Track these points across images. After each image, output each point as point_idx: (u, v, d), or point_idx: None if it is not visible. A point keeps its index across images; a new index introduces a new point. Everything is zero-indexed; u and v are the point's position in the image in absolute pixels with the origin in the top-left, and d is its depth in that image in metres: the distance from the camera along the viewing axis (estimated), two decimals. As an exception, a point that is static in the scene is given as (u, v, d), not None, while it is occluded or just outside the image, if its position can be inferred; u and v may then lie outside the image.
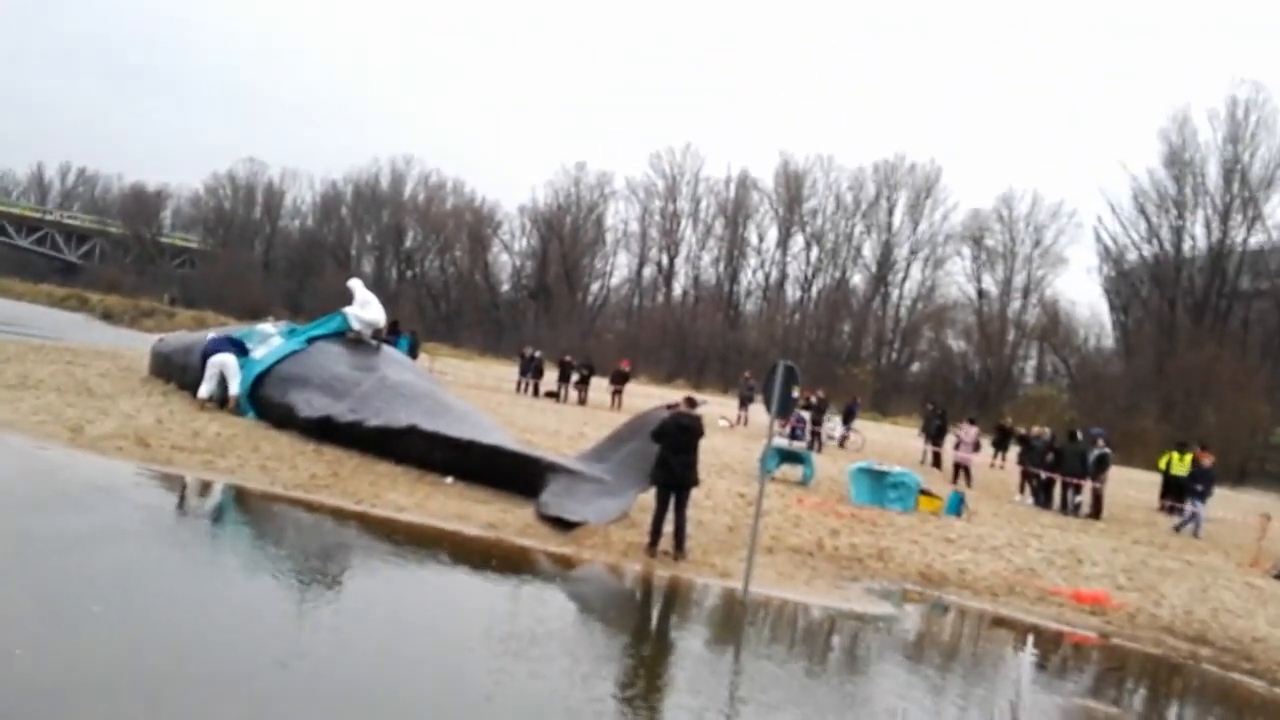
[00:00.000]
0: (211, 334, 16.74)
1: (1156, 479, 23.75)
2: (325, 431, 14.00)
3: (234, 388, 15.42)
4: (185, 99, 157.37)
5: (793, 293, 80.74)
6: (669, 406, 11.33)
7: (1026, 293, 71.16)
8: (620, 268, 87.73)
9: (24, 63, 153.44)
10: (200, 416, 14.70)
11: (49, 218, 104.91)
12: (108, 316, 57.23)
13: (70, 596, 6.67)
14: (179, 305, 63.47)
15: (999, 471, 26.00)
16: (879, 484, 16.13)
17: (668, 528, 10.35)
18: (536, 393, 32.47)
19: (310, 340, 16.01)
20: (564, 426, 21.47)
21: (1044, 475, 20.09)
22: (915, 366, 74.81)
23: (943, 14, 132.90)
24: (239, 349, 15.77)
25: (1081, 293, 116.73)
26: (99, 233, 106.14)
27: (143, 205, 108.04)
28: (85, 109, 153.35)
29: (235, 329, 17.00)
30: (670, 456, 10.42)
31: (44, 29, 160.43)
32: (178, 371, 17.82)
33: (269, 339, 16.16)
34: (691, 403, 11.20)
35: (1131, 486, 24.88)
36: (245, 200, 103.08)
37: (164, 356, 18.86)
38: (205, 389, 15.59)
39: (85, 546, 7.93)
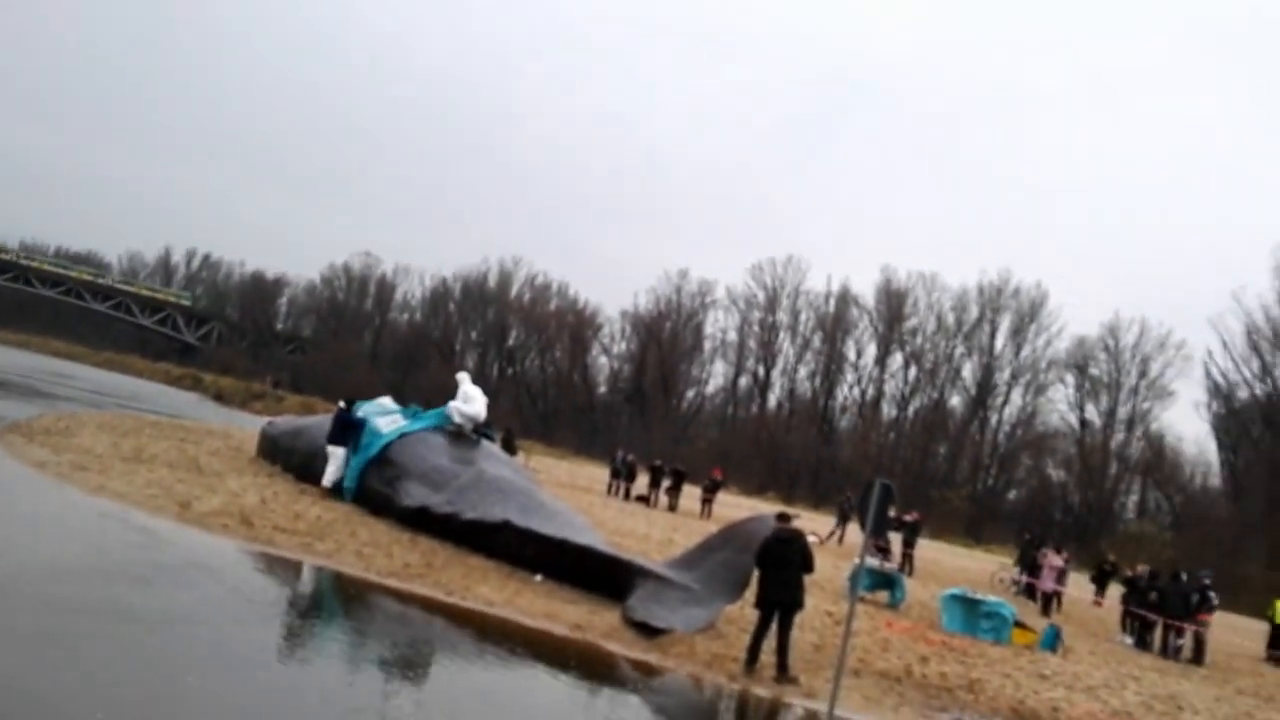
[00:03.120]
0: (335, 412, 17.06)
1: (1263, 627, 22.49)
2: (421, 521, 14.29)
3: (337, 474, 15.92)
4: (308, 193, 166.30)
5: (888, 411, 79.95)
6: (780, 517, 11.10)
7: (1131, 425, 69.23)
8: (716, 376, 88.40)
9: (162, 153, 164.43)
10: (302, 499, 15.17)
11: (172, 300, 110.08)
12: (220, 397, 59.48)
13: (164, 669, 6.87)
14: (283, 389, 65.62)
15: (1098, 609, 24.94)
16: (972, 613, 15.64)
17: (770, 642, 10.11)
18: (628, 496, 32.49)
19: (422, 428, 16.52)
20: (654, 531, 21.43)
21: (1147, 616, 19.23)
22: (1012, 494, 72.76)
23: (1047, 135, 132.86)
24: (360, 428, 16.22)
25: (1189, 428, 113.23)
26: (218, 316, 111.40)
27: (261, 292, 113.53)
28: (215, 198, 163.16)
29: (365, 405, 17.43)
30: (770, 574, 10.26)
31: (184, 124, 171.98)
32: (284, 454, 18.48)
33: (390, 414, 16.73)
34: (784, 518, 11.10)
35: (1236, 633, 23.60)
36: (358, 292, 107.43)
37: (272, 439, 19.58)
38: (329, 477, 16.08)
39: (183, 621, 8.21)
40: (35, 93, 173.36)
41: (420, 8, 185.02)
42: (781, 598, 10.14)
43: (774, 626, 10.11)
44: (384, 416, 16.75)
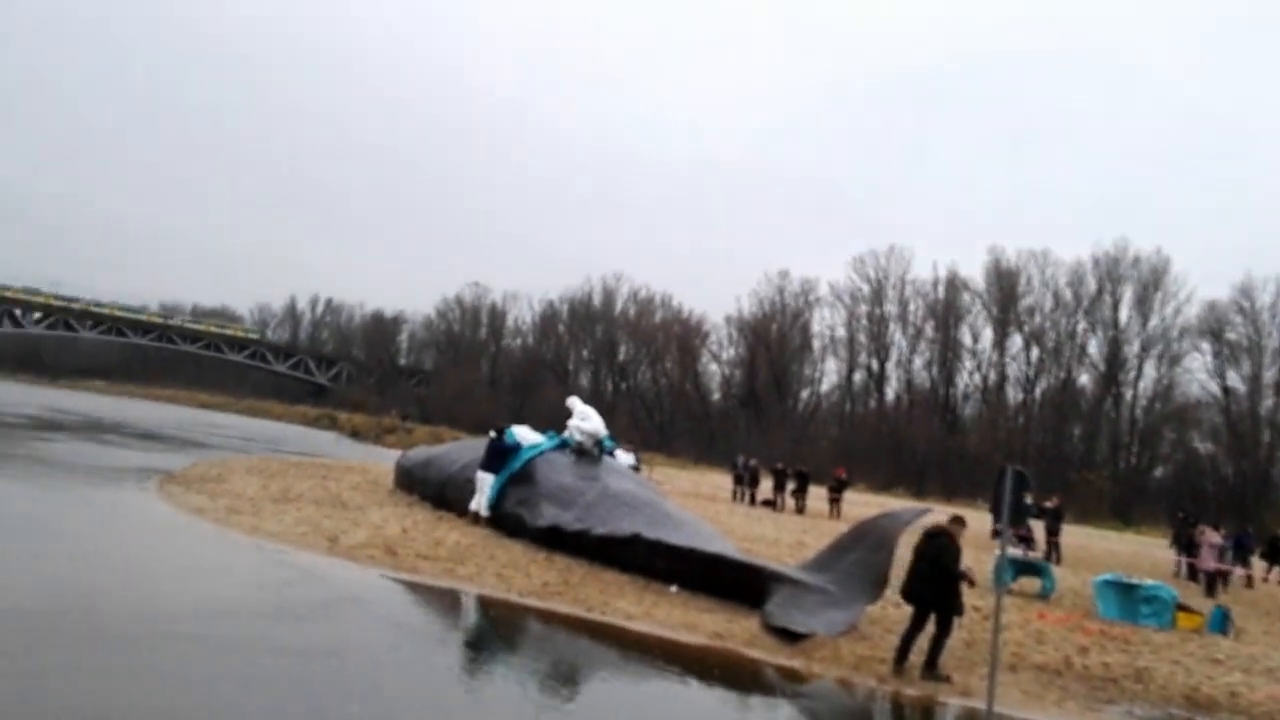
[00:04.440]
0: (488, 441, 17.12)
1: None
2: (554, 540, 14.58)
3: (479, 501, 16.30)
4: (419, 232, 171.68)
5: (1014, 395, 77.40)
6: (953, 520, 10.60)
7: (1279, 389, 65.21)
8: (829, 373, 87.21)
9: (277, 209, 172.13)
10: (440, 526, 15.63)
11: (241, 335, 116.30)
12: (355, 434, 61.65)
13: (326, 700, 7.13)
14: (410, 421, 67.53)
15: (1271, 586, 23.67)
16: (1129, 598, 15.04)
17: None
18: (753, 501, 32.38)
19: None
20: (783, 535, 21.31)
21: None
22: (1158, 471, 69.43)
23: (1153, 92, 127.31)
24: (513, 454, 16.53)
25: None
26: (345, 357, 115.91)
27: (382, 331, 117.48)
28: (332, 246, 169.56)
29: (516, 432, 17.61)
30: (916, 572, 10.07)
31: (296, 182, 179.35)
32: (419, 484, 19.08)
33: (527, 438, 17.13)
34: (957, 520, 10.51)
35: None
36: (471, 322, 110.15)
37: (406, 470, 20.22)
38: (477, 502, 16.42)
39: (340, 653, 8.56)
40: (166, 164, 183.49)
41: (499, 34, 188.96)
42: (921, 595, 9.95)
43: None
44: (528, 440, 17.12)
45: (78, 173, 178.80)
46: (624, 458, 23.69)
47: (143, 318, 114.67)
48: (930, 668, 9.82)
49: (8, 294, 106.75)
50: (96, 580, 9.93)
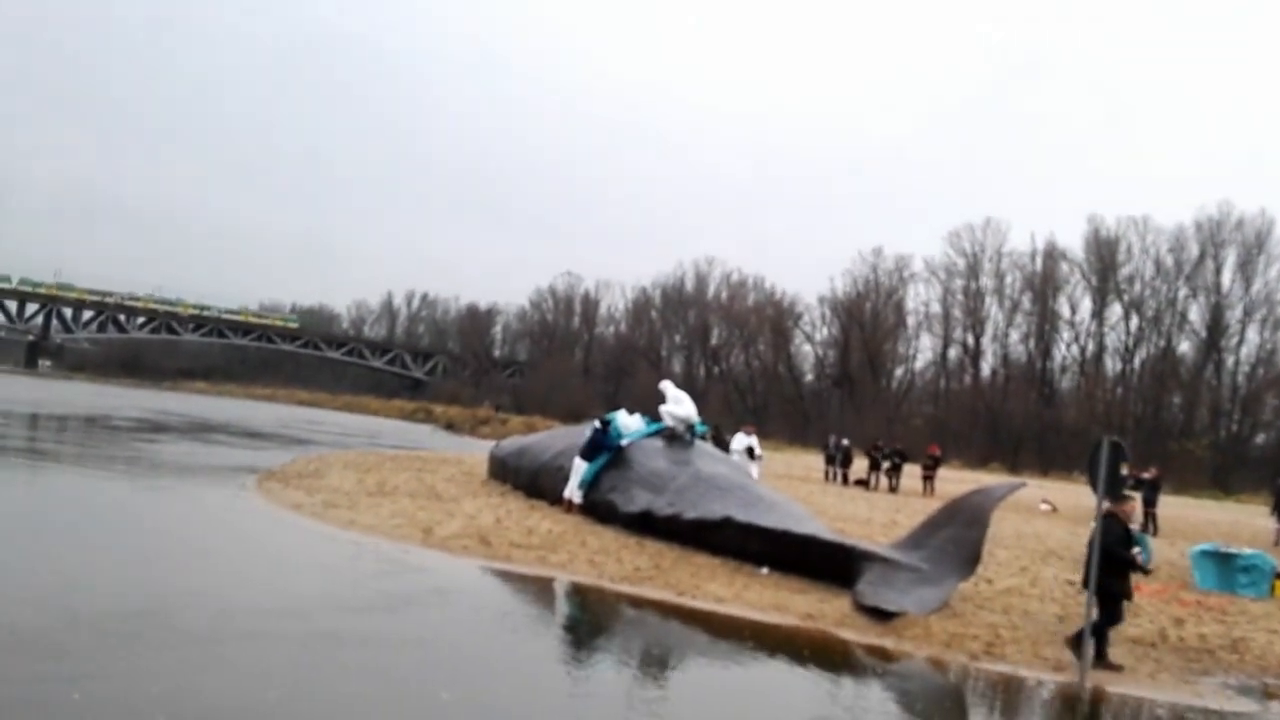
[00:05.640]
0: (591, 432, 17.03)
1: None
2: (645, 525, 14.73)
3: (572, 488, 16.41)
4: (512, 224, 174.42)
5: (1112, 365, 75.06)
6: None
7: (1388, 349, 62.00)
8: (924, 350, 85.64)
9: (379, 205, 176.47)
10: (533, 515, 15.92)
11: (279, 324, 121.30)
12: (450, 427, 62.91)
13: (419, 687, 7.36)
14: (503, 412, 68.62)
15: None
16: (1227, 568, 14.61)
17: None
18: (846, 481, 32.17)
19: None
20: (875, 515, 21.17)
21: None
22: (1260, 439, 66.77)
23: (1255, 47, 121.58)
24: (603, 447, 16.48)
25: None
26: (441, 350, 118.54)
27: (476, 324, 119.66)
28: (427, 239, 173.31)
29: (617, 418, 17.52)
30: (1089, 558, 9.69)
31: (392, 178, 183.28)
32: (512, 474, 19.43)
33: (629, 424, 17.21)
34: (1127, 499, 10.25)
35: None
36: (565, 312, 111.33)
37: (500, 460, 20.60)
38: (569, 488, 16.50)
39: (435, 643, 8.89)
40: (262, 169, 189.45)
41: (593, 28, 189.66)
42: (1095, 580, 9.44)
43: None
44: (628, 426, 17.14)
45: (175, 175, 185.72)
46: (744, 440, 23.74)
47: (240, 318, 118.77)
48: (1100, 658, 9.48)
49: (111, 299, 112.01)
50: (188, 578, 10.29)
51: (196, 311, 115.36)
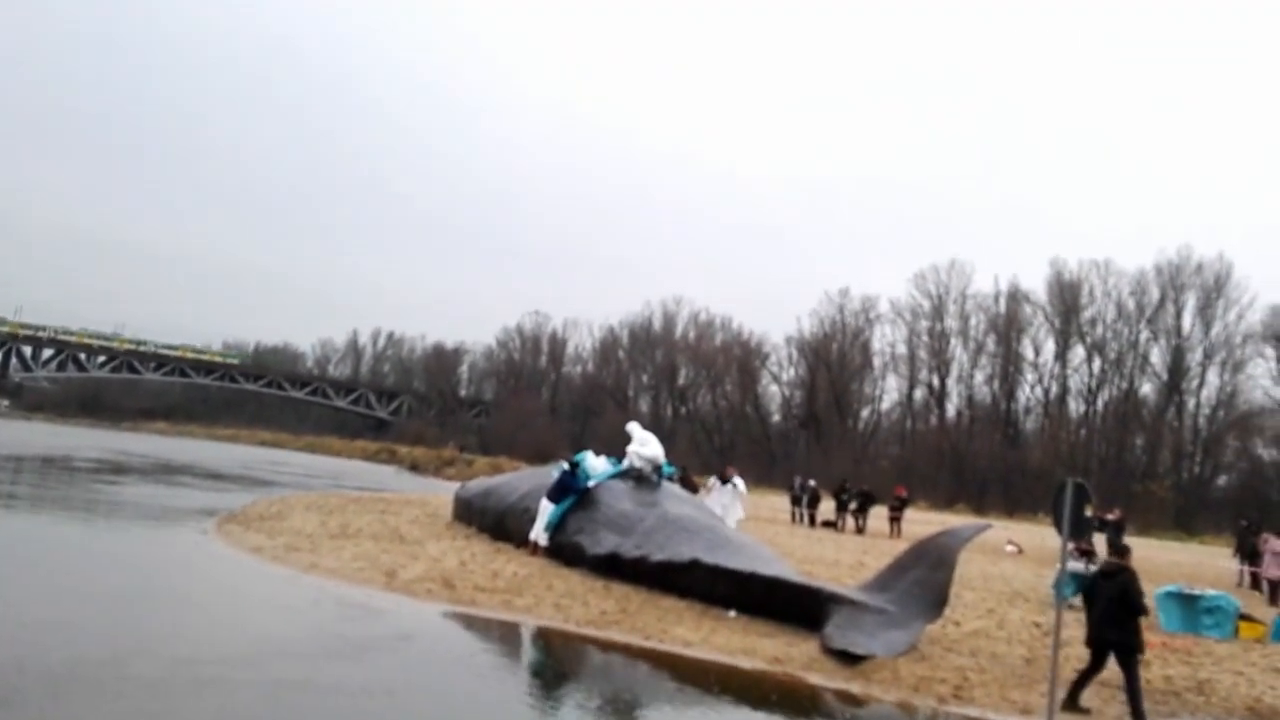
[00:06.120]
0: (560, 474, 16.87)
1: None
2: (612, 567, 14.60)
3: (538, 530, 16.24)
4: (480, 263, 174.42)
5: (1076, 407, 76.01)
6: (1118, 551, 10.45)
7: (1345, 393, 63.26)
8: (890, 391, 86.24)
9: (335, 243, 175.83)
10: (498, 558, 15.74)
11: (220, 360, 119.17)
12: (415, 467, 62.32)
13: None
14: (468, 453, 68.13)
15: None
16: (1191, 609, 14.71)
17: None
18: (813, 522, 32.14)
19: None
20: (843, 556, 21.14)
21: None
22: (1221, 480, 67.79)
23: (1215, 98, 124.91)
24: (571, 489, 16.34)
25: None
26: (406, 390, 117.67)
27: (442, 363, 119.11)
28: (391, 279, 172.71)
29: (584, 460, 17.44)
30: (1091, 610, 9.78)
31: (355, 215, 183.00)
32: (477, 515, 19.25)
33: (596, 466, 17.08)
34: (1122, 552, 10.45)
35: None
36: (532, 351, 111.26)
37: (465, 502, 20.40)
38: (535, 530, 16.31)
39: (400, 691, 8.72)
40: (228, 204, 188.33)
41: (551, 62, 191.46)
42: (1109, 638, 9.56)
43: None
44: (595, 468, 17.04)
45: (141, 210, 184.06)
46: (737, 483, 23.53)
47: (205, 357, 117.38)
48: (1071, 701, 9.57)
49: (71, 338, 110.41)
50: (146, 624, 10.09)
51: (132, 347, 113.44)
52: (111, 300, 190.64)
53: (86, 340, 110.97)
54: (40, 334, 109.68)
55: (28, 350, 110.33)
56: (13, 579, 11.94)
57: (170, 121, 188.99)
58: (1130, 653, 9.50)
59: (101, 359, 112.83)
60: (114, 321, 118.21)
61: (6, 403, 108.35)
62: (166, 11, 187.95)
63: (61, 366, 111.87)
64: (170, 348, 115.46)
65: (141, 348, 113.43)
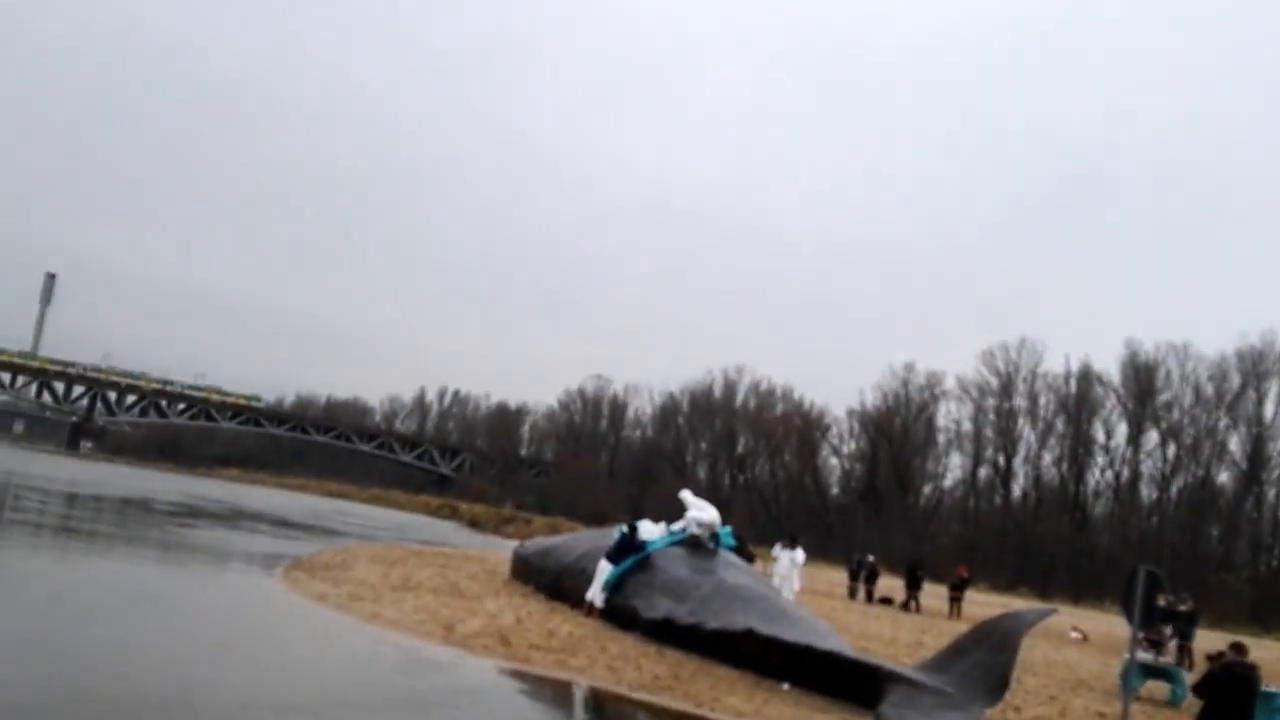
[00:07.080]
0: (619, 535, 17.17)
1: None
2: (666, 633, 14.61)
3: (595, 590, 16.33)
4: (546, 323, 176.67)
5: (1148, 493, 73.68)
6: (1210, 657, 10.14)
7: None
8: (953, 469, 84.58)
9: (418, 304, 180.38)
10: (554, 617, 15.85)
11: (244, 402, 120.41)
12: (474, 524, 62.73)
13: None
14: (524, 512, 68.40)
15: None
16: (1266, 707, 14.19)
17: None
18: (871, 598, 31.64)
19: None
20: (901, 634, 20.82)
21: None
22: (1302, 574, 65.12)
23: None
24: (631, 548, 16.52)
25: None
26: (468, 448, 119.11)
27: (505, 422, 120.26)
28: (461, 339, 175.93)
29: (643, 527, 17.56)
30: (1219, 713, 9.47)
31: (428, 274, 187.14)
32: (535, 574, 19.42)
33: (651, 533, 17.21)
34: (1239, 649, 10.06)
35: None
36: (592, 414, 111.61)
37: (523, 560, 20.60)
38: (592, 591, 16.44)
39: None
40: (304, 262, 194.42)
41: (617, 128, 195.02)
42: None
43: None
44: (651, 534, 17.16)
45: (218, 263, 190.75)
46: (799, 555, 23.72)
47: (204, 395, 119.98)
48: None
49: (154, 385, 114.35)
50: (213, 667, 10.33)
51: (180, 391, 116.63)
52: (192, 349, 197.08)
53: (156, 385, 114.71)
54: (123, 380, 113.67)
55: (112, 395, 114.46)
56: (89, 618, 12.38)
57: (240, 178, 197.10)
58: None
59: (181, 406, 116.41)
60: (192, 371, 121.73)
61: (90, 445, 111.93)
62: (262, 75, 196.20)
63: (144, 412, 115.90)
64: (194, 388, 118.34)
65: (217, 396, 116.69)
